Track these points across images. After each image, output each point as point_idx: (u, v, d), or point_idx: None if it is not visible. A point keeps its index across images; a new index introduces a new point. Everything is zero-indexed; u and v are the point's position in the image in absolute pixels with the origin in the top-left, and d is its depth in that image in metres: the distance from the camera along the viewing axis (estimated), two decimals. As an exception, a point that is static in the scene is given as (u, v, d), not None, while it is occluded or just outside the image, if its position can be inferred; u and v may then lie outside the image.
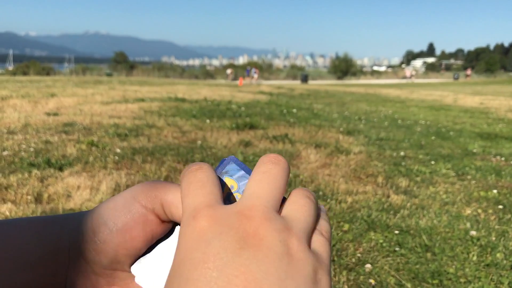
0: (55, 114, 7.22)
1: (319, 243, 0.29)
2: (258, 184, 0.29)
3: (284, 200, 0.31)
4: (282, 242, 0.26)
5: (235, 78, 38.03)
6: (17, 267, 0.32)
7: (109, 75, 36.22)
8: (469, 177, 4.35)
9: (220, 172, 0.34)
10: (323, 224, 0.31)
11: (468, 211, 3.38)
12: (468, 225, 3.05)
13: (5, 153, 4.39)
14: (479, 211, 3.39)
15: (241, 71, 45.87)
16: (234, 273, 0.24)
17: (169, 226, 0.35)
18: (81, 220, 0.34)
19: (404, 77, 56.52)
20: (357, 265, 2.43)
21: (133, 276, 0.35)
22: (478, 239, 2.79)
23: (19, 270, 0.32)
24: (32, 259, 0.32)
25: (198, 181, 0.30)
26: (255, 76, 36.56)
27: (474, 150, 5.66)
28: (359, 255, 2.55)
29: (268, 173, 0.30)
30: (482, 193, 3.82)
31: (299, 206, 0.30)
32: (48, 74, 34.54)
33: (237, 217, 0.27)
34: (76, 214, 0.36)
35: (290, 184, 3.78)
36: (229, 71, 40.30)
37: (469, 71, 57.17)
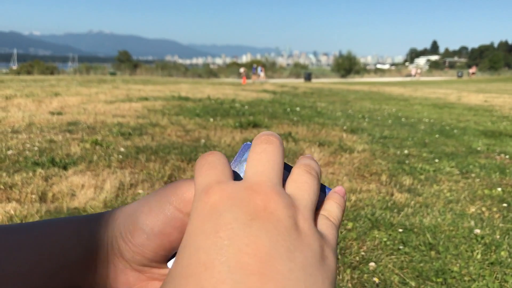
0: (59, 113, 7.25)
1: (325, 226, 0.30)
2: (258, 163, 0.30)
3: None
4: (290, 217, 0.27)
5: (248, 77, 38.06)
6: (59, 265, 0.33)
7: (112, 74, 36.28)
8: (473, 175, 4.34)
9: (239, 160, 0.35)
10: (333, 210, 0.32)
11: (472, 209, 3.37)
12: (472, 223, 3.05)
13: (9, 152, 4.41)
14: (483, 209, 3.38)
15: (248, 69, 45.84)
16: (245, 242, 0.25)
17: None
18: (119, 221, 0.35)
19: (408, 75, 56.39)
20: (361, 263, 2.43)
21: None
22: (482, 237, 2.78)
23: (61, 268, 0.33)
24: (73, 257, 0.34)
25: (210, 163, 0.31)
26: (262, 74, 36.55)
27: (478, 148, 5.65)
28: (363, 253, 2.54)
29: (265, 152, 0.30)
30: (486, 191, 3.81)
31: (301, 183, 0.30)
32: (52, 73, 34.63)
33: (247, 192, 0.27)
34: (112, 212, 0.36)
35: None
36: (242, 69, 40.20)
37: (474, 69, 57.01)
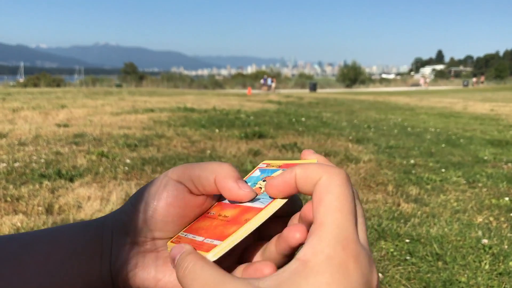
0: (66, 125, 7.29)
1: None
2: (337, 213, 0.29)
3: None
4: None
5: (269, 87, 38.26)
6: (68, 253, 0.38)
7: (118, 86, 36.48)
8: (480, 184, 4.32)
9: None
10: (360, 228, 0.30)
11: (480, 219, 3.34)
12: (479, 233, 3.02)
13: (16, 164, 4.44)
14: (491, 219, 3.35)
15: (250, 80, 45.98)
16: None
17: (202, 200, 0.40)
18: (127, 204, 0.40)
19: (414, 85, 56.26)
20: (367, 274, 2.42)
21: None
22: (490, 248, 2.76)
23: (70, 255, 0.38)
24: (80, 245, 0.39)
25: None
26: (272, 85, 36.60)
27: (485, 157, 5.62)
28: (369, 264, 2.53)
29: (340, 198, 0.30)
30: (493, 201, 3.78)
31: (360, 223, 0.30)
32: (58, 85, 34.87)
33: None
34: (118, 210, 0.42)
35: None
36: (262, 81, 40.17)
37: (482, 78, 56.93)
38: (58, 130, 6.77)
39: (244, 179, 0.42)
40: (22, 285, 0.36)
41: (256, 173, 0.44)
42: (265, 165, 0.45)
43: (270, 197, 0.40)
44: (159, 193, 0.39)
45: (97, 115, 9.00)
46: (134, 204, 0.39)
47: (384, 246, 2.76)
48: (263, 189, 0.42)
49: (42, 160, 4.65)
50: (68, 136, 6.23)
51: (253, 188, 0.42)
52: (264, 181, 0.42)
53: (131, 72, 53.91)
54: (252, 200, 0.41)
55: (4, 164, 4.40)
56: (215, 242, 0.39)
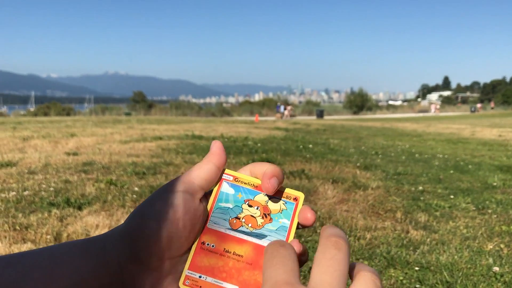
0: (75, 154, 7.36)
1: None
2: (326, 272, 0.30)
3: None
4: None
5: (294, 115, 38.75)
6: (71, 282, 0.36)
7: (128, 114, 36.84)
8: (489, 211, 4.28)
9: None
10: None
11: (490, 246, 3.30)
12: (490, 260, 2.98)
13: (25, 193, 4.47)
14: (502, 246, 3.31)
15: (257, 107, 46.26)
16: None
17: (203, 208, 0.41)
18: (127, 227, 0.39)
19: (421, 111, 56.21)
20: (377, 303, 2.39)
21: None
22: (501, 275, 2.72)
23: (73, 285, 0.36)
24: (84, 274, 0.37)
25: (282, 257, 0.32)
26: (286, 112, 37.11)
27: (494, 183, 5.58)
28: (379, 292, 2.50)
29: (334, 260, 0.31)
30: (504, 227, 3.74)
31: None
32: (68, 114, 35.31)
33: None
34: (116, 230, 0.40)
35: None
36: (288, 107, 40.76)
37: (492, 104, 56.93)
38: (68, 158, 6.83)
39: (214, 195, 0.43)
40: None
41: (227, 188, 0.43)
42: (232, 177, 0.44)
43: (276, 232, 0.42)
44: (174, 202, 0.39)
45: (106, 144, 9.08)
46: (143, 222, 0.38)
47: (393, 274, 2.73)
48: (260, 219, 0.43)
49: (51, 189, 4.69)
50: (77, 164, 6.29)
51: (242, 215, 0.43)
52: (250, 206, 0.43)
53: (140, 101, 54.45)
54: (257, 236, 0.42)
55: (14, 193, 4.44)
56: None
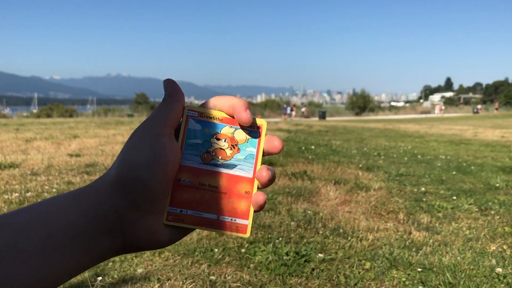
0: (77, 155, 7.37)
1: None
2: None
3: None
4: None
5: (308, 116, 39.29)
6: (67, 237, 0.36)
7: (130, 116, 36.88)
8: (492, 212, 4.27)
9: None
10: None
11: (493, 247, 3.30)
12: (493, 261, 2.98)
13: (28, 194, 4.48)
14: (505, 247, 3.31)
15: (259, 109, 46.29)
16: None
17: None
18: (117, 177, 0.40)
19: (423, 112, 56.13)
20: (379, 304, 2.39)
21: None
22: (504, 277, 2.71)
23: (70, 239, 0.36)
24: (79, 228, 0.37)
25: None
26: (293, 113, 37.71)
27: (497, 184, 5.56)
28: (381, 293, 2.50)
29: None
30: (506, 229, 3.73)
31: None
32: (71, 116, 35.39)
33: None
34: (105, 180, 0.41)
35: (309, 221, 3.77)
36: (303, 109, 41.42)
37: (496, 105, 56.89)
38: (70, 160, 6.85)
39: (183, 133, 0.45)
40: (23, 276, 0.33)
41: (194, 125, 0.45)
42: (197, 113, 0.46)
43: (245, 161, 0.46)
44: (159, 146, 0.40)
45: (109, 145, 9.10)
46: (135, 171, 0.39)
47: (396, 275, 2.72)
48: (228, 151, 0.46)
49: (54, 190, 4.70)
50: (80, 165, 6.30)
51: (212, 148, 0.45)
52: (218, 139, 0.46)
53: (142, 102, 54.52)
54: (228, 166, 0.45)
55: (17, 194, 4.45)
56: (239, 221, 0.45)
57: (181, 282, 2.51)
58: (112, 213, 0.39)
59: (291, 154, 8.21)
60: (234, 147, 0.46)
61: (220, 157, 0.45)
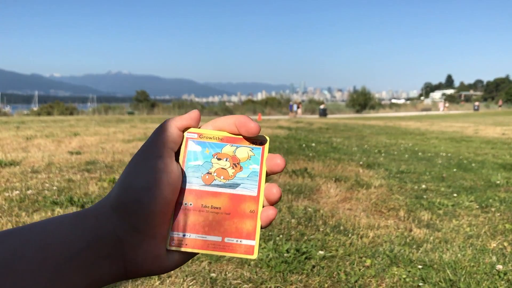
0: (78, 153, 7.38)
1: None
2: None
3: None
4: None
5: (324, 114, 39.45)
6: (63, 259, 0.36)
7: (130, 113, 36.90)
8: (493, 209, 4.27)
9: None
10: None
11: (494, 244, 3.30)
12: (494, 258, 2.98)
13: (29, 192, 4.49)
14: (505, 244, 3.30)
15: (260, 106, 46.26)
16: None
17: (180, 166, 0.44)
18: (118, 204, 0.39)
19: (425, 109, 56.07)
20: (380, 301, 2.39)
21: None
22: (505, 274, 2.71)
23: (66, 261, 0.36)
24: (76, 250, 0.36)
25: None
26: (299, 111, 37.73)
27: (498, 182, 5.56)
28: (382, 291, 2.50)
29: None
30: (507, 226, 3.73)
31: None
32: (71, 113, 35.38)
33: None
34: (105, 203, 0.40)
35: (310, 219, 3.77)
36: (322, 106, 41.40)
37: (500, 102, 56.91)
38: (71, 157, 6.85)
39: (183, 155, 0.44)
40: None
41: (194, 147, 0.45)
42: (196, 135, 0.45)
43: (248, 179, 0.45)
44: (159, 169, 0.40)
45: (109, 143, 9.10)
46: (135, 194, 0.39)
47: (396, 272, 2.72)
48: (230, 170, 0.45)
49: (55, 188, 4.70)
50: (80, 163, 6.30)
51: (213, 169, 0.45)
52: (219, 159, 0.45)
53: (143, 100, 54.52)
54: (231, 186, 0.44)
55: (17, 192, 4.46)
56: (245, 241, 0.44)
57: (181, 279, 2.51)
58: (112, 237, 0.38)
59: (292, 151, 8.21)
60: (236, 166, 0.45)
61: (222, 177, 0.44)
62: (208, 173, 0.44)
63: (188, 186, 0.43)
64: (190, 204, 0.43)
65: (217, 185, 0.44)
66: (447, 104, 56.61)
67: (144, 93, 58.84)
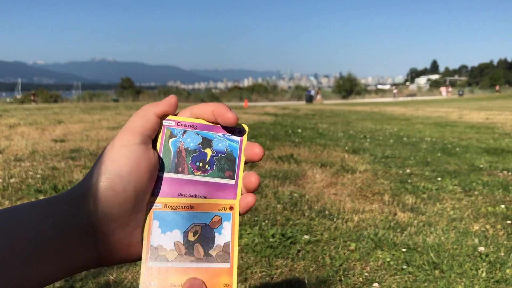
0: (62, 141, 7.29)
1: None
2: None
3: None
4: None
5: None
6: (33, 248, 0.34)
7: (115, 100, 36.51)
8: (476, 192, 4.33)
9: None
10: None
11: (476, 227, 3.35)
12: (476, 241, 3.03)
13: (12, 180, 4.43)
14: (487, 226, 3.36)
15: (246, 93, 46.12)
16: None
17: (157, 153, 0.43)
18: (91, 188, 0.38)
19: (410, 95, 56.42)
20: (364, 284, 2.41)
21: None
22: (487, 255, 2.76)
23: (35, 250, 0.34)
24: (45, 239, 0.35)
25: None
26: (318, 97, 37.94)
27: (481, 166, 5.63)
28: (366, 274, 2.52)
29: None
30: (490, 209, 3.79)
31: None
32: (55, 101, 34.91)
33: None
34: (78, 190, 0.39)
35: (296, 204, 3.78)
36: (395, 91, 41.43)
37: (497, 87, 57.29)
38: (55, 145, 6.77)
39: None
40: None
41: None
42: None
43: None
44: (136, 156, 0.39)
45: (94, 130, 9.01)
46: (110, 181, 0.38)
47: (380, 256, 2.75)
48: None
49: (38, 176, 4.65)
50: (65, 151, 6.23)
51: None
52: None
53: (128, 87, 54.01)
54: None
55: (0, 180, 4.40)
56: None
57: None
58: (85, 225, 0.37)
59: (278, 137, 8.22)
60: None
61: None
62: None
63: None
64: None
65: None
66: (450, 89, 56.83)
67: (129, 80, 58.27)
